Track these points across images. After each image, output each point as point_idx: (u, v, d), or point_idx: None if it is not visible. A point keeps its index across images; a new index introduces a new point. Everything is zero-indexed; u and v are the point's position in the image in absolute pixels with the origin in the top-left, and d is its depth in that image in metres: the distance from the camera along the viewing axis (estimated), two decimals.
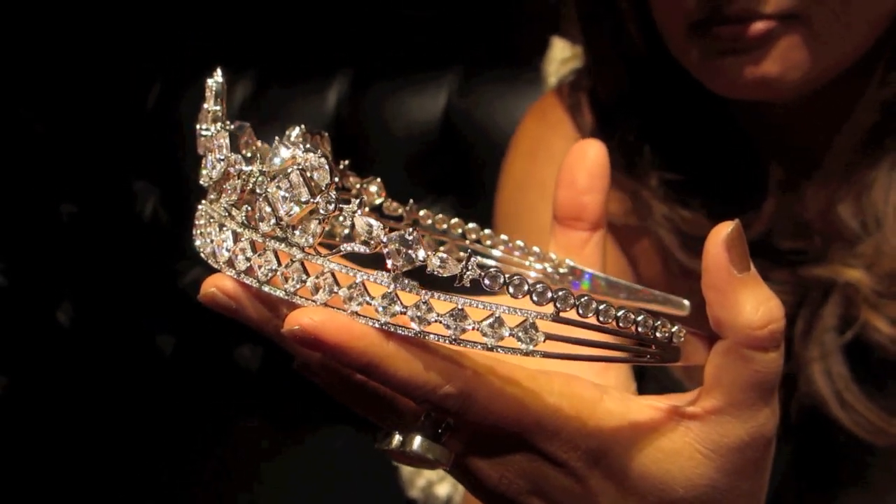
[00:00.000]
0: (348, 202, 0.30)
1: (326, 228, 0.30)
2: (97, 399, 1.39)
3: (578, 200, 0.42)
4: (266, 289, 0.30)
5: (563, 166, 0.42)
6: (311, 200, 0.30)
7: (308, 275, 0.30)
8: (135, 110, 1.36)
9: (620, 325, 0.30)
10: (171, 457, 1.28)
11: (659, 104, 0.68)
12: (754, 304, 0.31)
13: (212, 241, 0.32)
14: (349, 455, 1.15)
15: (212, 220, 0.33)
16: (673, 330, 0.32)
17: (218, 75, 0.35)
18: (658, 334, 0.31)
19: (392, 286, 0.29)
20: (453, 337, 0.29)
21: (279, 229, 0.30)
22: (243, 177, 0.31)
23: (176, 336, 1.40)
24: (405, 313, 0.29)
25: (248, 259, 0.31)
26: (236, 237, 0.31)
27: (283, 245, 0.30)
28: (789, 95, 0.58)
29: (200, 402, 1.37)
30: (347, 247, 0.30)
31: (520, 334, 0.30)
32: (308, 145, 0.31)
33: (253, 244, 0.31)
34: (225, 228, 0.32)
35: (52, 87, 1.42)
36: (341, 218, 0.30)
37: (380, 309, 0.29)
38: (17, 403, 1.39)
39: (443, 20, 1.30)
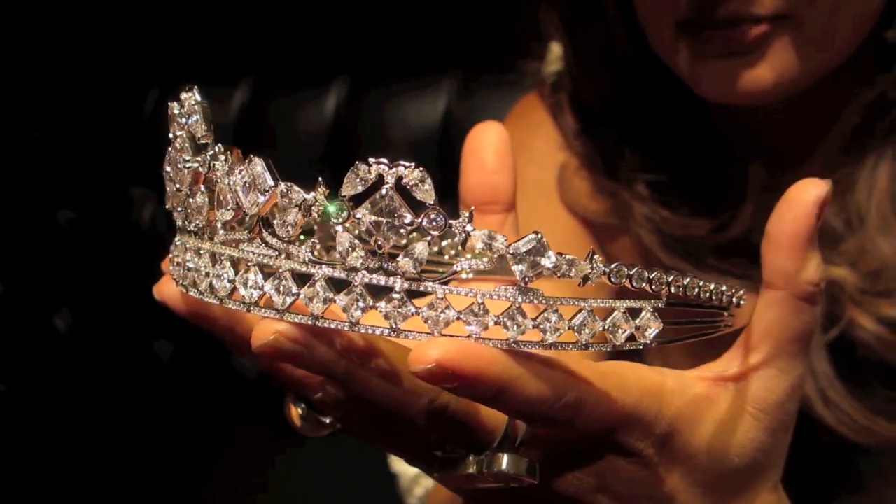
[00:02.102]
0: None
1: (434, 249, 0.28)
2: (95, 406, 1.39)
3: (490, 181, 0.41)
4: (361, 329, 0.27)
5: (467, 151, 0.42)
6: (416, 221, 0.27)
7: (414, 306, 0.27)
8: (132, 116, 1.36)
9: (698, 295, 0.31)
10: (170, 463, 1.28)
11: (641, 106, 0.68)
12: (818, 260, 0.33)
13: (252, 286, 0.28)
14: (347, 463, 1.15)
15: (248, 264, 0.28)
16: (740, 293, 0.33)
17: (193, 93, 0.32)
18: (734, 300, 0.32)
19: (518, 300, 0.27)
20: (583, 343, 0.28)
21: (374, 260, 0.27)
22: (304, 207, 0.27)
23: (174, 342, 1.39)
24: (537, 327, 0.27)
25: (325, 300, 0.27)
26: (305, 279, 0.27)
27: (380, 277, 0.27)
28: (779, 98, 0.58)
29: (199, 408, 1.36)
30: (464, 264, 0.28)
31: (637, 325, 0.30)
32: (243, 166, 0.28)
33: (329, 281, 0.27)
34: (282, 270, 0.27)
35: (48, 93, 1.41)
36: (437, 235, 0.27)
37: (510, 326, 0.27)
38: (15, 410, 1.38)
39: (441, 25, 1.30)
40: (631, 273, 0.29)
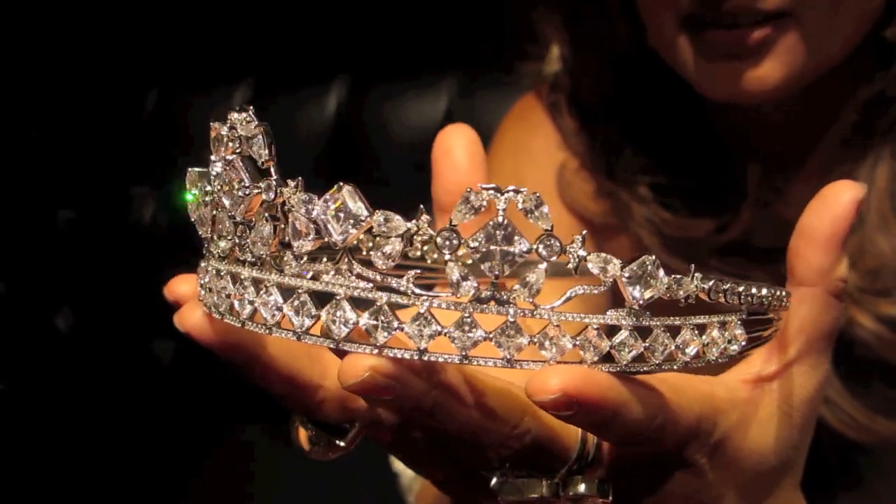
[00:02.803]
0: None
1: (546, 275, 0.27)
2: (96, 405, 1.39)
3: (464, 182, 0.40)
4: (475, 362, 0.26)
5: (438, 154, 0.41)
6: (532, 248, 0.26)
7: (522, 334, 0.26)
8: (132, 115, 1.35)
9: (763, 303, 0.31)
10: (170, 462, 1.28)
11: (641, 105, 0.68)
12: (845, 257, 0.34)
13: (342, 322, 0.26)
14: (348, 462, 1.15)
15: (336, 298, 0.27)
16: (784, 294, 0.33)
17: (249, 114, 0.29)
18: (783, 302, 0.33)
19: (631, 322, 0.27)
20: (685, 361, 0.28)
21: (486, 289, 0.26)
22: (406, 237, 0.26)
23: (175, 341, 1.39)
24: (648, 349, 0.27)
25: (431, 335, 0.26)
26: (422, 319, 0.26)
27: (491, 307, 0.26)
28: (783, 96, 0.58)
29: (200, 407, 1.36)
30: (578, 290, 0.27)
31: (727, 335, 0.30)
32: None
33: (427, 316, 0.26)
34: (380, 303, 0.26)
35: (48, 92, 1.41)
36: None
37: (624, 352, 0.27)
38: (16, 410, 1.38)
39: (442, 25, 1.30)
40: (726, 289, 0.29)
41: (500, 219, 0.26)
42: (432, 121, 1.19)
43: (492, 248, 0.26)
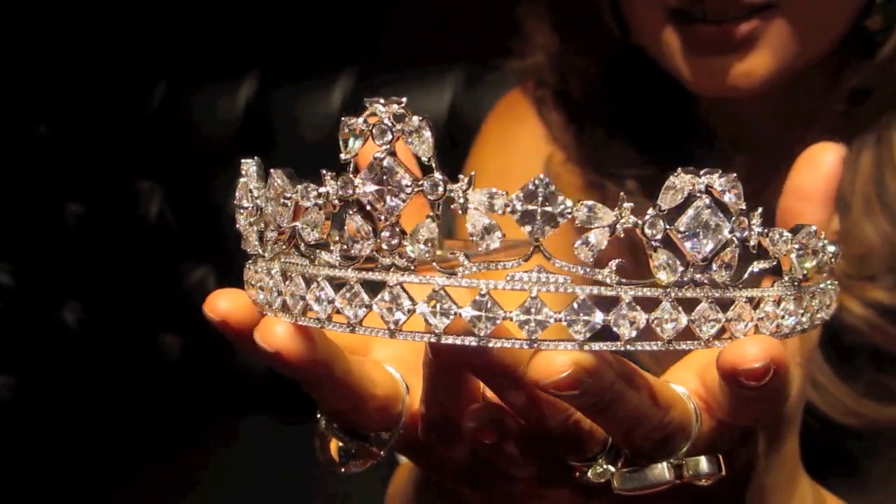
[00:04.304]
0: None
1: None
2: (104, 398, 1.39)
3: None
4: (673, 346, 0.27)
5: None
6: (734, 230, 0.27)
7: (722, 311, 0.27)
8: (139, 110, 1.36)
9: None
10: (178, 455, 1.28)
11: (628, 99, 0.68)
12: (836, 216, 0.37)
13: (542, 318, 0.26)
14: None
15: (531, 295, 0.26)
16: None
17: (408, 111, 0.27)
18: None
19: (792, 292, 0.29)
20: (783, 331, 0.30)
21: (696, 273, 0.27)
22: (612, 226, 0.26)
23: (182, 336, 1.40)
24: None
25: (633, 322, 0.26)
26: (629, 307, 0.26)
27: (687, 291, 0.27)
28: (770, 88, 0.58)
29: (207, 401, 1.37)
30: (756, 267, 0.29)
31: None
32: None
33: (637, 301, 0.27)
34: (581, 297, 0.26)
35: (56, 87, 1.42)
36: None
37: (788, 320, 0.29)
38: (25, 403, 1.39)
39: (447, 17, 1.30)
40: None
41: (707, 201, 0.27)
42: (437, 113, 1.19)
43: (695, 231, 0.27)
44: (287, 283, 0.29)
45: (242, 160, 0.31)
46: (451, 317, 0.26)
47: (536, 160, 0.70)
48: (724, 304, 0.28)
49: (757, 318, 0.28)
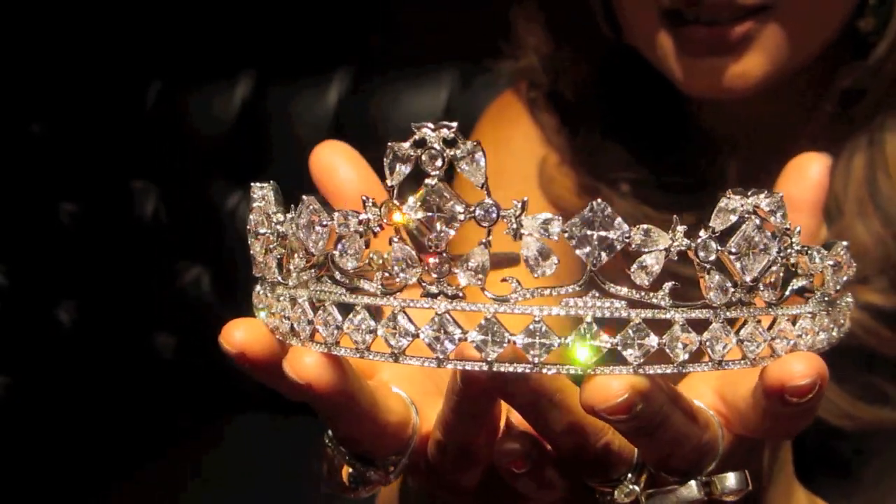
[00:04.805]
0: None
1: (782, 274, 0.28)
2: (98, 397, 1.39)
3: (362, 189, 0.40)
4: (728, 366, 0.27)
5: (319, 173, 0.40)
6: (781, 250, 0.28)
7: (766, 330, 0.28)
8: (134, 108, 1.36)
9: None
10: (172, 455, 1.28)
11: (621, 101, 0.68)
12: (825, 225, 0.38)
13: (600, 341, 0.26)
14: None
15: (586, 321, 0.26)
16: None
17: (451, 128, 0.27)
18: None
19: (823, 307, 0.30)
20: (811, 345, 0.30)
21: (743, 293, 0.27)
22: (668, 250, 0.26)
23: (176, 335, 1.40)
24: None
25: (687, 346, 0.26)
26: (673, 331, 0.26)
27: (736, 311, 0.27)
28: (763, 90, 0.58)
29: (201, 400, 1.37)
30: (795, 285, 0.29)
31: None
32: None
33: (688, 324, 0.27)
34: (636, 321, 0.26)
35: (50, 86, 1.42)
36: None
37: (807, 339, 0.29)
38: (19, 403, 1.39)
39: (442, 17, 1.30)
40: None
41: (758, 221, 0.27)
42: (432, 113, 1.19)
43: (746, 252, 0.27)
44: (320, 312, 0.28)
45: (254, 184, 0.31)
46: (505, 345, 0.26)
47: (530, 162, 0.70)
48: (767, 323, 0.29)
49: (795, 334, 0.29)
